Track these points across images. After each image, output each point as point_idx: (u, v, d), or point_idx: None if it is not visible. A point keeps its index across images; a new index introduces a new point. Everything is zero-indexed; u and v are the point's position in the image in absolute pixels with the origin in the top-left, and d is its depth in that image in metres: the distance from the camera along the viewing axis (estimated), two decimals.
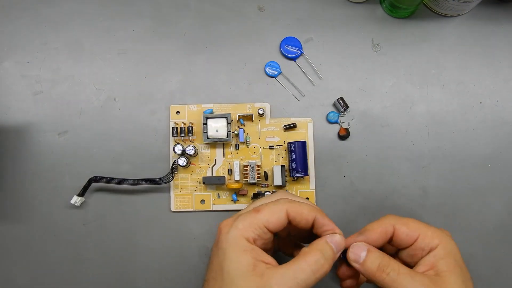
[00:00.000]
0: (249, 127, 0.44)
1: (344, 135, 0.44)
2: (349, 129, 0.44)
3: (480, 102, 0.45)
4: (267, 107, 0.44)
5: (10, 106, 0.44)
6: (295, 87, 0.45)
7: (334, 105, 0.45)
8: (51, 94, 0.45)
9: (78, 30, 0.45)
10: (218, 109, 0.44)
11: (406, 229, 0.34)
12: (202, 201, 0.43)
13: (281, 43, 0.45)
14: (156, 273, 0.43)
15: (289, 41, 0.45)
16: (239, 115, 0.43)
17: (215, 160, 0.44)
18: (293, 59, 0.45)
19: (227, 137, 0.42)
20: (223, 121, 0.42)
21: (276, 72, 0.45)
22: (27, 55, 0.45)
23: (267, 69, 0.45)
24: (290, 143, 0.42)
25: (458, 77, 0.46)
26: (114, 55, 0.45)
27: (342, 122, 0.45)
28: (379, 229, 0.34)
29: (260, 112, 0.43)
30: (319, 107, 0.45)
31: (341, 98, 0.44)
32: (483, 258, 0.43)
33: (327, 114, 0.45)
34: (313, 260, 0.32)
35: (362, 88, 0.45)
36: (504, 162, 0.45)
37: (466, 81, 0.46)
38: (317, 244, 0.33)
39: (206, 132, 0.42)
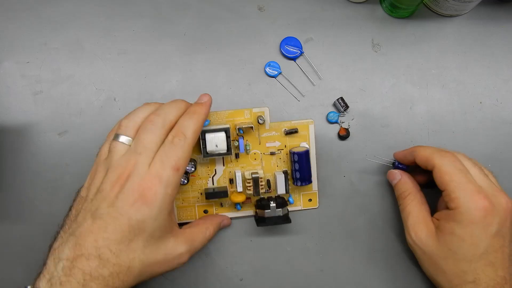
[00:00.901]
0: (248, 134, 0.42)
1: (344, 135, 0.44)
2: (349, 129, 0.44)
3: (480, 102, 0.45)
4: (266, 111, 0.42)
5: (10, 106, 0.44)
6: (295, 87, 0.45)
7: (334, 105, 0.45)
8: (51, 94, 0.45)
9: (78, 30, 0.45)
10: (214, 117, 0.42)
11: (438, 177, 0.37)
12: (205, 210, 0.43)
13: (281, 43, 0.45)
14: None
15: (289, 41, 0.45)
16: (238, 128, 0.41)
17: (215, 170, 0.42)
18: (293, 59, 0.45)
19: (228, 150, 0.40)
20: (222, 134, 0.39)
21: (276, 72, 0.45)
22: (27, 55, 0.45)
23: (267, 69, 0.45)
24: (293, 153, 0.41)
25: (458, 77, 0.46)
26: (114, 55, 0.45)
27: (342, 122, 0.45)
28: (423, 161, 0.38)
29: (260, 121, 0.41)
30: (319, 107, 0.45)
31: (341, 98, 0.44)
32: None
33: (327, 114, 0.45)
34: None
35: (362, 88, 0.45)
36: (504, 162, 0.45)
37: (466, 81, 0.46)
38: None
39: (205, 147, 0.39)
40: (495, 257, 0.35)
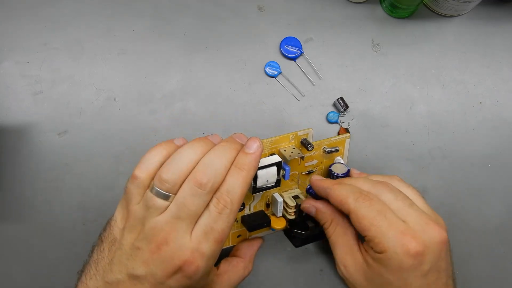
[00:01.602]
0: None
1: None
2: (349, 129, 0.44)
3: (480, 102, 0.45)
4: (310, 133, 0.39)
5: (10, 106, 0.44)
6: (295, 87, 0.45)
7: (334, 105, 0.45)
8: (51, 94, 0.45)
9: (78, 30, 0.45)
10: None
11: (356, 224, 0.34)
12: (239, 235, 0.40)
13: (281, 43, 0.45)
14: None
15: (289, 41, 0.45)
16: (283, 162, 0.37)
17: (254, 197, 0.38)
18: (293, 59, 0.45)
19: (276, 183, 0.36)
20: (274, 169, 0.36)
21: (276, 72, 0.45)
22: (27, 55, 0.45)
23: (267, 69, 0.45)
24: (335, 174, 0.39)
25: (458, 77, 0.46)
26: (114, 55, 0.45)
27: (342, 122, 0.45)
28: (337, 204, 0.35)
29: (310, 149, 0.38)
30: (319, 107, 0.45)
31: (341, 98, 0.44)
32: (483, 258, 0.43)
33: (327, 114, 0.45)
34: None
35: (362, 88, 0.45)
36: (504, 162, 0.45)
37: (466, 81, 0.46)
38: None
39: (255, 184, 0.35)
40: None
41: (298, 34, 0.46)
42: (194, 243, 0.30)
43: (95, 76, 0.45)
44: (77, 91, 0.45)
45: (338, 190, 0.35)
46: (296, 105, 0.45)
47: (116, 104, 0.45)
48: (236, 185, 0.31)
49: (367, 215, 0.32)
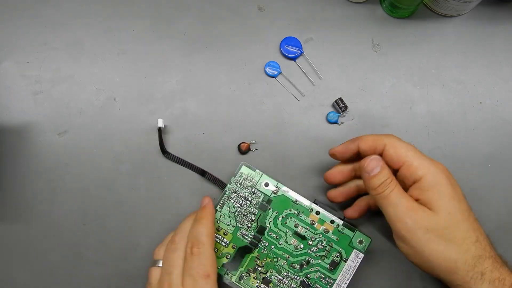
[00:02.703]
0: None
1: (244, 151, 0.44)
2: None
3: (480, 102, 0.45)
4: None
5: (10, 106, 0.44)
6: (295, 87, 0.45)
7: (333, 105, 0.45)
8: (51, 94, 0.45)
9: (78, 30, 0.45)
10: None
11: (392, 152, 0.36)
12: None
13: (281, 43, 0.45)
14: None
15: (289, 41, 0.45)
16: None
17: None
18: (293, 59, 0.45)
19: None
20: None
21: (276, 72, 0.45)
22: (27, 55, 0.45)
23: (267, 69, 0.45)
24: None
25: (458, 77, 0.46)
26: (114, 55, 0.45)
27: (342, 123, 0.45)
28: (370, 143, 0.37)
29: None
30: (319, 107, 0.45)
31: (340, 98, 0.44)
32: None
33: (327, 114, 0.45)
34: None
35: (362, 88, 0.45)
36: (504, 162, 0.45)
37: (466, 81, 0.46)
38: None
39: None
40: (471, 212, 0.36)
41: (298, 34, 0.46)
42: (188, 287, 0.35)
43: (95, 76, 0.45)
44: (77, 91, 0.45)
45: (366, 136, 0.37)
46: (296, 105, 0.45)
47: (116, 104, 0.45)
48: (198, 230, 0.37)
49: (402, 144, 0.36)
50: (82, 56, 0.45)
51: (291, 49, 0.45)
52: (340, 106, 0.44)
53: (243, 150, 0.43)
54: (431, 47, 0.46)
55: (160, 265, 0.37)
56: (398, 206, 0.35)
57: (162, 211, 0.43)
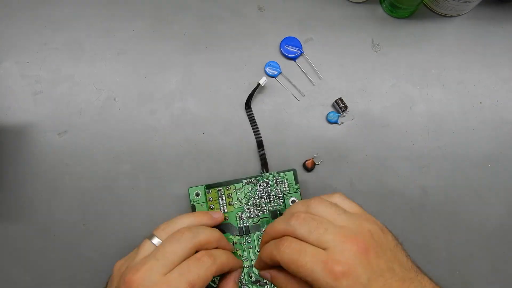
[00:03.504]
0: None
1: (311, 168, 0.44)
2: (315, 164, 0.44)
3: (480, 102, 0.45)
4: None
5: (10, 106, 0.44)
6: (295, 87, 0.45)
7: (333, 105, 0.45)
8: (51, 94, 0.45)
9: (78, 30, 0.45)
10: None
11: (264, 258, 0.33)
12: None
13: (281, 43, 0.45)
14: None
15: (289, 41, 0.45)
16: None
17: None
18: (293, 59, 0.45)
19: None
20: None
21: (276, 72, 0.45)
22: (27, 55, 0.45)
23: (267, 69, 0.45)
24: None
25: (458, 77, 0.46)
26: (114, 55, 0.45)
27: (342, 123, 0.45)
28: (267, 262, 0.34)
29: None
30: (319, 107, 0.45)
31: (340, 99, 0.44)
32: (483, 258, 0.43)
33: (327, 114, 0.45)
34: None
35: (362, 88, 0.45)
36: (504, 162, 0.45)
37: (466, 81, 0.46)
38: None
39: None
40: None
41: (298, 34, 0.46)
42: (166, 279, 0.32)
43: (95, 76, 0.45)
44: (77, 91, 0.45)
45: (263, 249, 0.34)
46: (296, 105, 0.45)
47: (116, 104, 0.45)
48: (222, 255, 0.35)
49: (291, 258, 0.32)
50: (82, 56, 0.45)
51: (291, 49, 0.45)
52: (340, 106, 0.44)
53: (310, 167, 0.43)
54: (431, 47, 0.46)
55: (153, 241, 0.35)
56: None
57: (162, 211, 0.43)
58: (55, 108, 0.44)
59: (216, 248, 0.36)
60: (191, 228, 0.36)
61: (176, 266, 0.33)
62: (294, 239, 0.32)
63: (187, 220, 0.37)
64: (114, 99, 0.45)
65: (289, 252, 0.32)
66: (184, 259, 0.34)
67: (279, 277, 0.35)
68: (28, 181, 0.43)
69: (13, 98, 0.44)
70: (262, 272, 0.36)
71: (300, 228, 0.33)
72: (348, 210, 0.34)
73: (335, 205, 0.34)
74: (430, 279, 0.32)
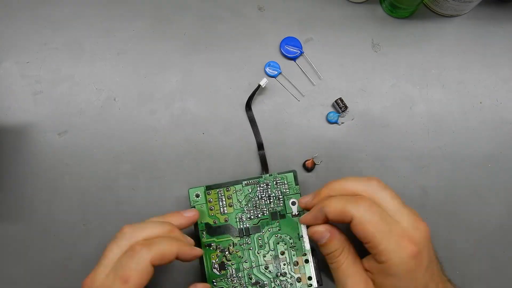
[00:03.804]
0: None
1: (310, 168, 0.44)
2: (315, 164, 0.44)
3: (480, 102, 0.45)
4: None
5: (10, 106, 0.44)
6: (295, 87, 0.45)
7: (333, 105, 0.45)
8: (51, 94, 0.45)
9: (78, 30, 0.45)
10: None
11: (359, 230, 0.33)
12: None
13: (281, 43, 0.45)
14: (156, 271, 0.43)
15: (289, 41, 0.45)
16: None
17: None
18: (293, 59, 0.45)
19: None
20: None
21: (276, 72, 0.45)
22: (27, 55, 0.45)
23: (267, 69, 0.45)
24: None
25: (458, 77, 0.46)
26: (114, 55, 0.45)
27: (342, 123, 0.45)
28: (337, 215, 0.33)
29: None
30: (319, 107, 0.45)
31: (340, 98, 0.44)
32: (483, 258, 0.43)
33: (327, 114, 0.45)
34: None
35: (362, 88, 0.45)
36: (504, 162, 0.45)
37: (466, 81, 0.46)
38: None
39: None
40: (434, 283, 0.33)
41: (298, 34, 0.46)
42: (106, 282, 0.32)
43: (95, 76, 0.45)
44: (77, 91, 0.45)
45: (334, 202, 0.34)
46: (296, 105, 0.45)
47: (116, 104, 0.45)
48: (165, 242, 0.33)
49: (371, 219, 0.32)
50: (82, 56, 0.45)
51: (291, 49, 0.45)
52: (340, 106, 0.44)
53: (310, 167, 0.43)
54: (431, 47, 0.46)
55: (119, 241, 0.34)
56: (347, 279, 0.34)
57: (162, 211, 0.43)
58: (55, 108, 0.44)
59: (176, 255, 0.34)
60: (134, 225, 0.35)
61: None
62: (373, 202, 0.32)
63: (155, 224, 0.36)
64: (114, 99, 0.45)
65: (369, 212, 0.32)
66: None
67: (339, 238, 0.35)
68: (28, 181, 0.43)
69: (13, 98, 0.44)
70: (319, 230, 0.35)
71: (381, 191, 0.33)
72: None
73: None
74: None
